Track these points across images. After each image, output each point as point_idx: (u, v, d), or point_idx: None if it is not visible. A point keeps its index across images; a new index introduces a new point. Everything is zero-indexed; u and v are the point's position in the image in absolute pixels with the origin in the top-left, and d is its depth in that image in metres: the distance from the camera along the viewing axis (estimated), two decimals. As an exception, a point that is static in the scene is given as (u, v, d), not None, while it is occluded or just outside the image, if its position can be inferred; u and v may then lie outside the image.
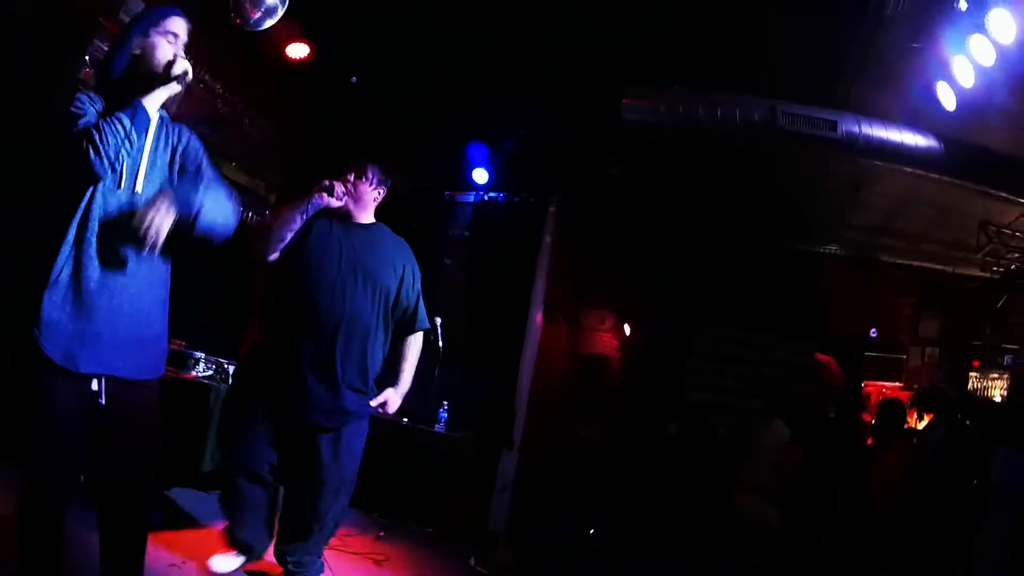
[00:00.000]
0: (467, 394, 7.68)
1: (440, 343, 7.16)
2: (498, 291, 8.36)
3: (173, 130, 3.10)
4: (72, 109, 2.76)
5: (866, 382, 9.43)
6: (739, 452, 7.33)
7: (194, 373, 6.11)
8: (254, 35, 6.39)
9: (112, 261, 2.81)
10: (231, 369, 6.26)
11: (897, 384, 9.42)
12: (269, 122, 9.00)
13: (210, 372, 6.28)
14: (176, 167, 3.06)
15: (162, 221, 2.74)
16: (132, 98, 2.85)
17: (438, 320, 7.32)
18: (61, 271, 2.70)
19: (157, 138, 3.00)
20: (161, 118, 3.03)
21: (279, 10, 6.14)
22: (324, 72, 7.78)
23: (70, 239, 2.72)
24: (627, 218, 8.74)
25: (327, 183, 4.11)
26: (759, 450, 7.03)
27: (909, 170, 6.40)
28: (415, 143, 8.50)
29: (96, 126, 2.69)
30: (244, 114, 8.49)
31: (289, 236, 4.02)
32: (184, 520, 5.18)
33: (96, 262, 2.75)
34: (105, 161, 2.70)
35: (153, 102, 2.90)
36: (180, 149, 3.09)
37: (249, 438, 4.06)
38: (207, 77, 8.02)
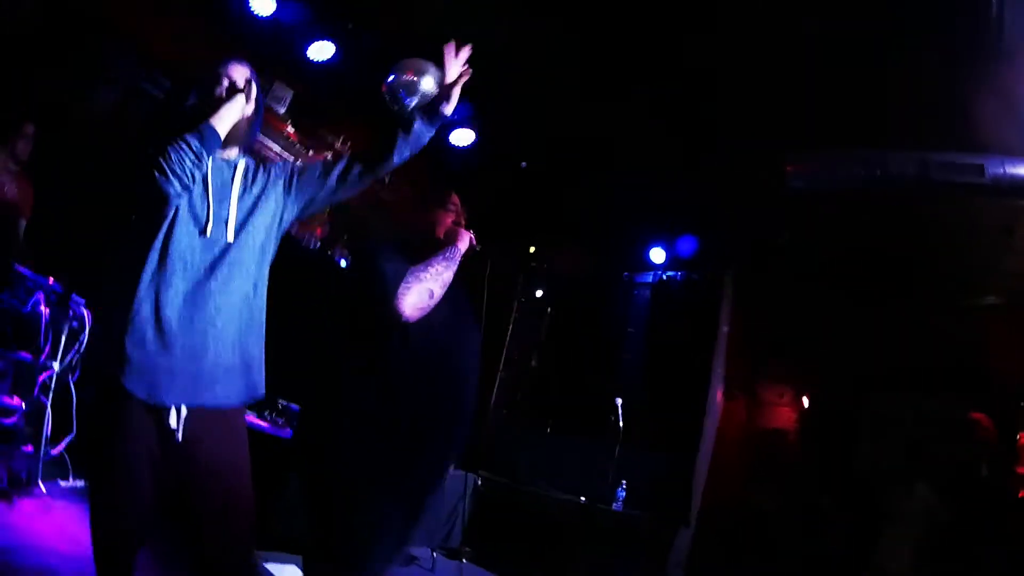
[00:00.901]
0: (646, 472, 7.77)
1: (620, 422, 7.32)
2: (677, 369, 8.47)
3: (262, 173, 3.12)
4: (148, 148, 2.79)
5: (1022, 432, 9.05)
6: (890, 519, 7.18)
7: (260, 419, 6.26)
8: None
9: (194, 302, 2.81)
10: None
11: (1051, 431, 8.97)
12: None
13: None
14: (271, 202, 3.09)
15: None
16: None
17: (619, 400, 7.52)
18: (139, 310, 2.72)
19: (244, 186, 3.04)
20: (247, 165, 3.09)
21: None
22: (493, 157, 8.07)
23: (146, 278, 2.75)
24: (799, 286, 8.73)
25: (475, 241, 3.74)
26: (905, 516, 6.90)
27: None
28: (591, 226, 8.74)
29: (162, 149, 2.71)
30: (409, 201, 8.93)
31: None
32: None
33: (177, 302, 2.76)
34: (173, 179, 2.71)
35: (220, 122, 2.90)
36: (268, 182, 3.11)
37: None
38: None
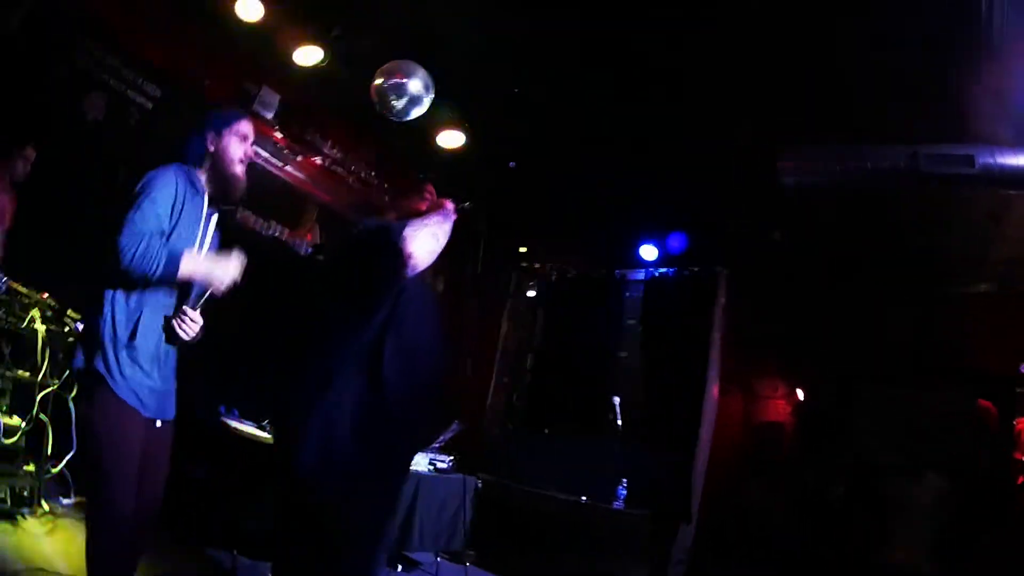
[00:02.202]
0: (645, 470, 7.76)
1: (619, 421, 7.31)
2: (673, 366, 8.45)
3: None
4: (149, 202, 3.08)
5: (1018, 419, 9.08)
6: (896, 509, 7.20)
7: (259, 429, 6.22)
8: (405, 125, 6.72)
9: (167, 330, 3.23)
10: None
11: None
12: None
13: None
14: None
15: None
16: (179, 248, 3.13)
17: (616, 399, 7.52)
18: (134, 335, 3.08)
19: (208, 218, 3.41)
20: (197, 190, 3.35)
21: (425, 99, 6.34)
22: (482, 158, 8.05)
23: (132, 305, 3.10)
24: (790, 281, 8.73)
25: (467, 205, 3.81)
26: (913, 505, 6.92)
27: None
28: (582, 225, 8.72)
29: (141, 254, 2.95)
30: (398, 204, 8.89)
31: None
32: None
33: (150, 331, 3.14)
34: (131, 274, 2.98)
35: (189, 269, 3.15)
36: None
37: None
38: (359, 166, 8.54)
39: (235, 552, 5.30)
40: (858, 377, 9.50)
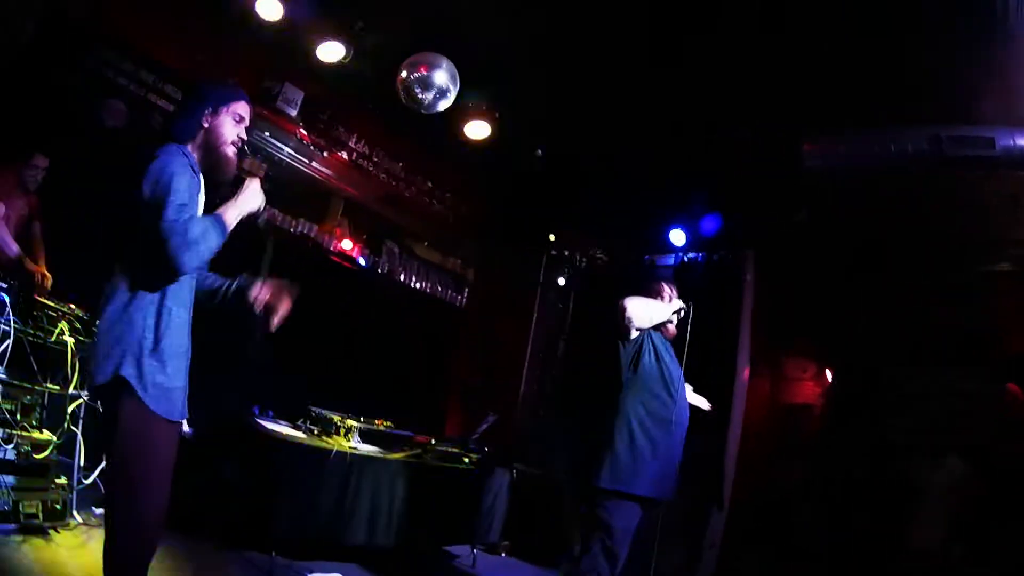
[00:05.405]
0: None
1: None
2: (703, 350, 8.42)
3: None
4: (176, 199, 2.91)
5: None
6: (919, 491, 7.17)
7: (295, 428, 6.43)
8: (433, 117, 6.67)
9: (185, 332, 3.12)
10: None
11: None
12: (457, 200, 9.41)
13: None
14: None
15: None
16: (215, 203, 3.16)
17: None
18: (160, 338, 2.95)
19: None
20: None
21: (451, 92, 6.27)
22: (509, 146, 8.06)
23: (156, 308, 2.98)
24: (817, 264, 8.68)
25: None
26: (934, 487, 6.89)
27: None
28: (610, 211, 8.72)
29: (193, 230, 2.87)
30: (430, 195, 8.99)
31: None
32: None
33: (177, 329, 3.03)
34: (191, 268, 2.96)
35: (232, 216, 3.11)
36: None
37: None
38: (385, 160, 8.62)
39: (273, 553, 5.36)
40: (883, 358, 9.42)
